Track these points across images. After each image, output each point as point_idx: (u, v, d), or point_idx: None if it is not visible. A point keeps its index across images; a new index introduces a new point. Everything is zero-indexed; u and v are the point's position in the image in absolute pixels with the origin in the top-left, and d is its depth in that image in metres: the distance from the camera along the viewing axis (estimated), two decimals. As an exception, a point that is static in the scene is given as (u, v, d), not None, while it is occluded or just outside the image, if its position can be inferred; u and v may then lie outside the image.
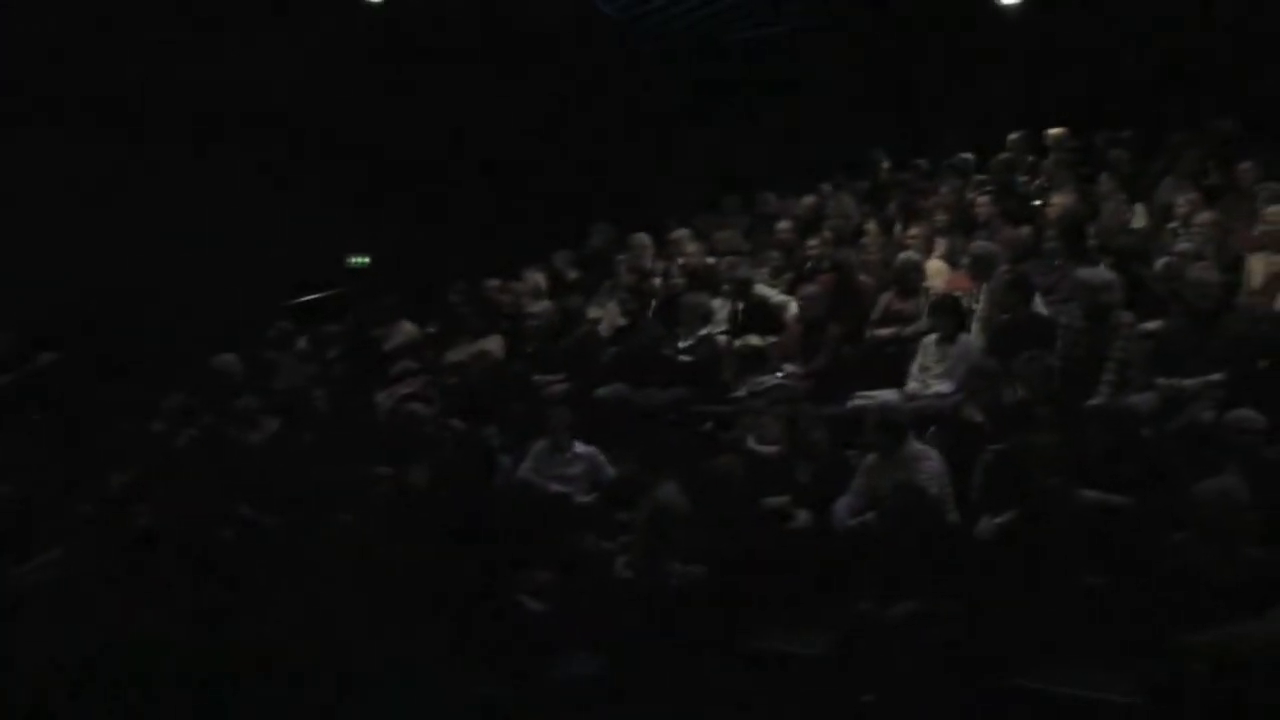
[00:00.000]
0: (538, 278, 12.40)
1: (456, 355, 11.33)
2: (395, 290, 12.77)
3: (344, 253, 16.14)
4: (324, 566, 8.04)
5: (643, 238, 12.45)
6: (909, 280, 9.82)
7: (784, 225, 12.16)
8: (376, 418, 10.22)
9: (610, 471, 8.98)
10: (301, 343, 12.43)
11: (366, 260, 16.28)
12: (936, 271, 10.35)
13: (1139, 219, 10.82)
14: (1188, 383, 7.66)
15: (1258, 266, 8.85)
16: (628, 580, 7.65)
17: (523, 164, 15.22)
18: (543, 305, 11.70)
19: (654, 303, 11.31)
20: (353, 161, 14.61)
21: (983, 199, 11.57)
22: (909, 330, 9.45)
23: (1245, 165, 10.49)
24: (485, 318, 11.95)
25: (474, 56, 14.70)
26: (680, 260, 11.93)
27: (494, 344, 11.28)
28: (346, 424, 10.04)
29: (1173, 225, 10.10)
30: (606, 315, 11.47)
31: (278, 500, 8.94)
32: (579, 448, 9.04)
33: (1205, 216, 9.64)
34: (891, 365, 9.19)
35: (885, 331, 9.61)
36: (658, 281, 11.74)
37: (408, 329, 11.91)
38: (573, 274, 12.81)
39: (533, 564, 8.01)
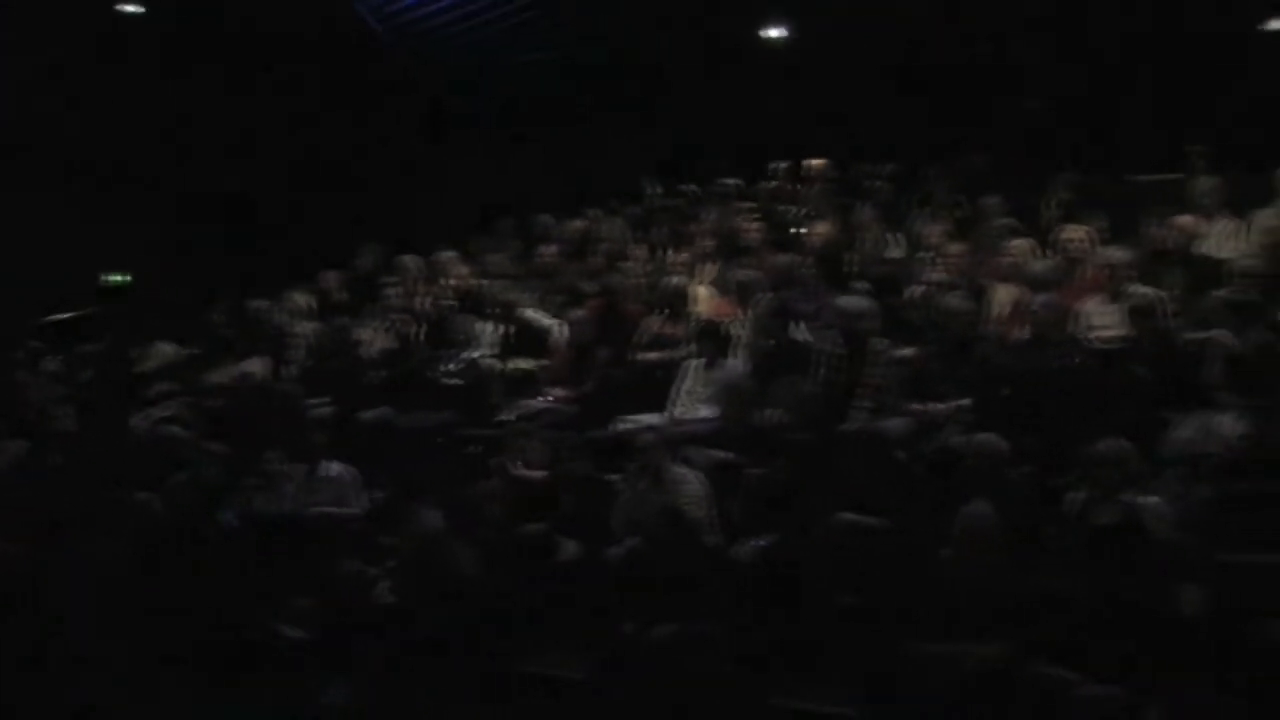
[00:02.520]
0: (305, 298, 12.17)
1: (218, 377, 11.03)
2: (155, 309, 12.39)
3: (101, 270, 15.58)
4: (70, 596, 7.76)
5: (412, 259, 12.36)
6: (676, 305, 9.96)
7: (550, 249, 12.24)
8: (131, 441, 9.88)
9: (364, 490, 8.82)
10: (52, 363, 11.93)
11: (127, 278, 15.75)
12: (703, 297, 10.52)
13: (896, 249, 11.20)
14: (938, 407, 7.97)
15: (1002, 296, 9.26)
16: (390, 605, 7.58)
17: (291, 183, 14.95)
18: (309, 326, 11.50)
19: (422, 325, 11.23)
20: (112, 177, 14.13)
21: (749, 226, 11.83)
22: (675, 355, 9.58)
23: (992, 199, 10.98)
24: (250, 338, 11.68)
25: (243, 76, 14.40)
26: (449, 283, 11.87)
27: (258, 365, 11.03)
28: (98, 447, 9.68)
29: (926, 255, 10.47)
30: (374, 337, 11.34)
31: (21, 527, 8.58)
32: (333, 468, 8.87)
33: (955, 248, 10.06)
34: (658, 389, 9.30)
35: (652, 356, 9.72)
36: (426, 304, 11.66)
37: (166, 350, 11.56)
38: (341, 295, 12.60)
39: (292, 590, 7.87)
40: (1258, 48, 13.59)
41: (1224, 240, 9.58)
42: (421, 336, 11.01)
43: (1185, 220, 9.20)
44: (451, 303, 11.41)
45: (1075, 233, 9.33)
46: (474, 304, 11.20)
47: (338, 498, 8.72)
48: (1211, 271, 8.72)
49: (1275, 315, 7.93)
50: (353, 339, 11.17)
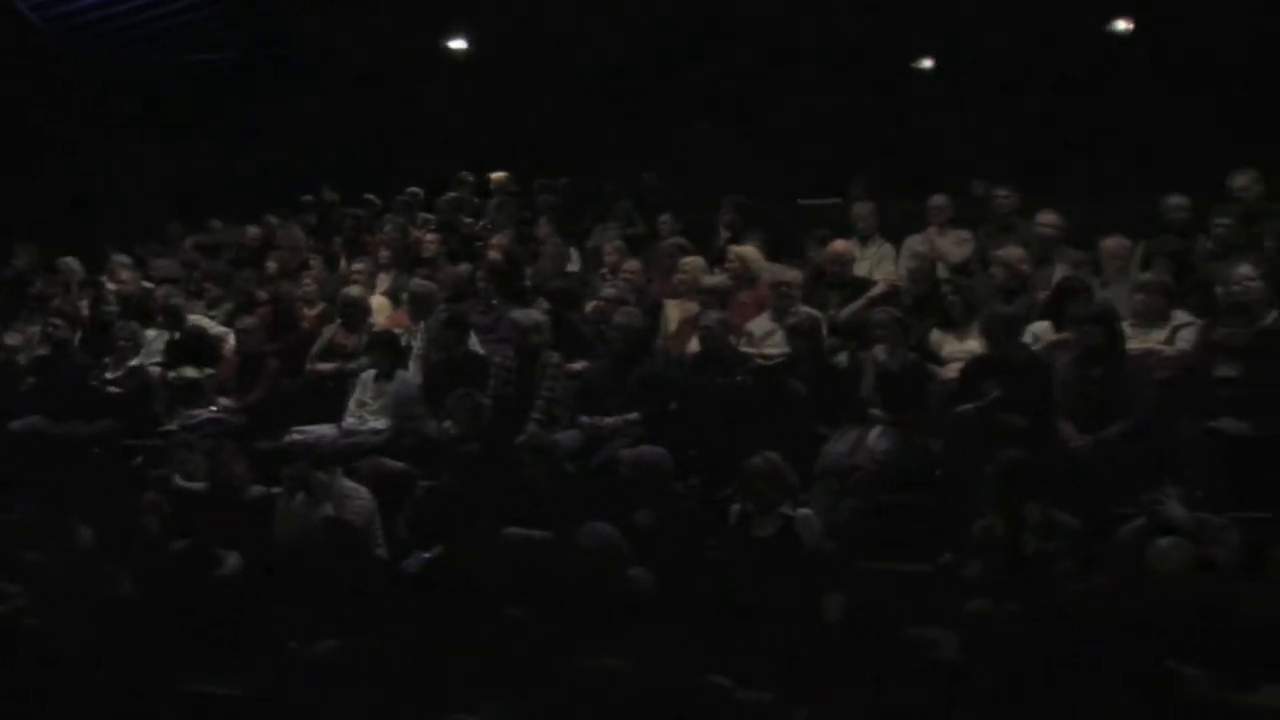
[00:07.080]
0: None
1: None
2: None
3: None
4: None
5: (71, 261, 11.88)
6: (352, 315, 9.82)
7: (223, 255, 11.92)
8: None
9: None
10: None
11: None
12: (379, 308, 10.42)
13: (574, 263, 11.35)
14: (607, 421, 8.12)
15: (674, 313, 9.50)
16: (36, 626, 7.22)
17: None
18: (-47, 331, 10.86)
19: (81, 330, 10.74)
20: None
21: (429, 237, 11.77)
22: (350, 366, 9.45)
23: (665, 218, 11.26)
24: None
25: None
26: (113, 287, 11.39)
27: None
28: None
29: (602, 271, 10.65)
30: (26, 342, 10.77)
31: None
32: None
33: (631, 264, 10.26)
34: (331, 400, 9.17)
35: (325, 366, 9.57)
36: (85, 307, 11.15)
37: None
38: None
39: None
40: (916, 82, 14.49)
41: (878, 263, 10.10)
42: (80, 342, 10.52)
43: (841, 244, 9.63)
44: (114, 308, 10.96)
45: (741, 252, 9.65)
46: (139, 309, 10.79)
47: None
48: (866, 293, 9.15)
49: (921, 335, 8.39)
50: (3, 344, 10.58)
